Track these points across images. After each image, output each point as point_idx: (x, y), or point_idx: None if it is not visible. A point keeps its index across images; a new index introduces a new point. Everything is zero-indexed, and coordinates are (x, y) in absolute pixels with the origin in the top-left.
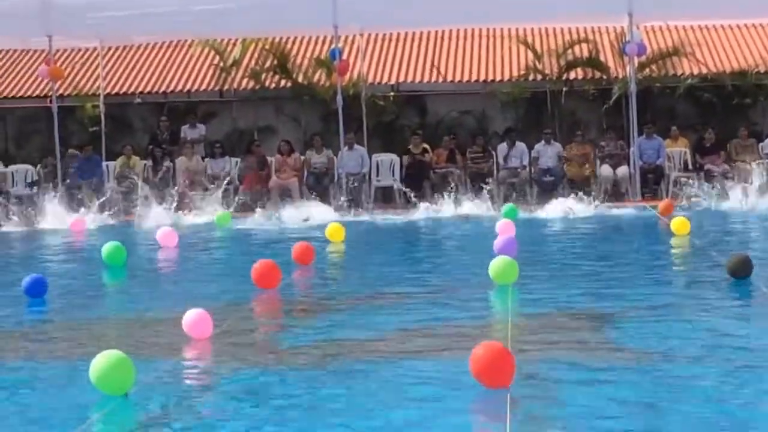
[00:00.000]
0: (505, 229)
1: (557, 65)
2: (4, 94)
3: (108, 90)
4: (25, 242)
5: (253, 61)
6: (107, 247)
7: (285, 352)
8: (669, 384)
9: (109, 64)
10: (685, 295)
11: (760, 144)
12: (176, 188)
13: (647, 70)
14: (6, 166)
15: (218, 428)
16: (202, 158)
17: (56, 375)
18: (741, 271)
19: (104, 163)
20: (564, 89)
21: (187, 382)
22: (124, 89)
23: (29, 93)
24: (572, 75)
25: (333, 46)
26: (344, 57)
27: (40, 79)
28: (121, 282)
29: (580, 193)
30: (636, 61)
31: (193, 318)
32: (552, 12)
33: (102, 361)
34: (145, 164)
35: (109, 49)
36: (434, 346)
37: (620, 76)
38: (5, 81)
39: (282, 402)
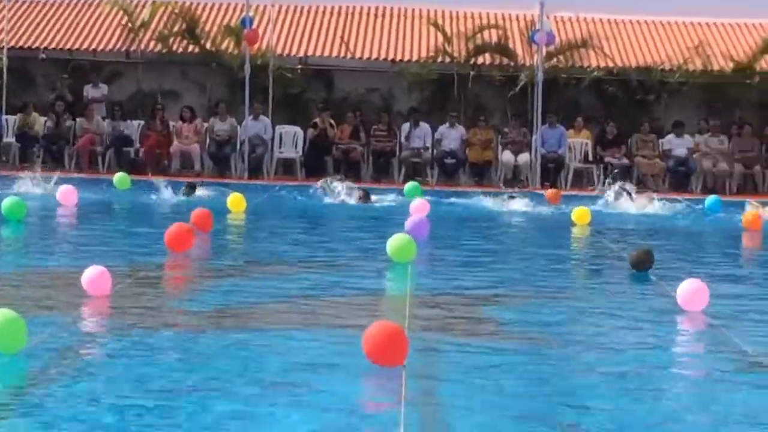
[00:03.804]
0: (418, 209)
1: (466, 49)
2: None
3: (12, 43)
4: None
5: (161, 24)
6: (6, 202)
7: (180, 314)
8: (554, 367)
9: (15, 17)
10: (581, 282)
11: (660, 140)
12: (74, 148)
13: (555, 60)
14: None
15: (108, 386)
16: (103, 119)
17: None
18: (643, 263)
19: (3, 117)
20: (471, 73)
21: (80, 339)
22: (29, 43)
23: None
24: (480, 60)
25: (244, 14)
26: (254, 26)
27: None
28: (19, 237)
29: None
30: (544, 50)
31: (91, 275)
32: None
33: None
34: (45, 121)
35: (16, 1)
36: (329, 318)
37: (528, 64)
38: None
39: (172, 362)
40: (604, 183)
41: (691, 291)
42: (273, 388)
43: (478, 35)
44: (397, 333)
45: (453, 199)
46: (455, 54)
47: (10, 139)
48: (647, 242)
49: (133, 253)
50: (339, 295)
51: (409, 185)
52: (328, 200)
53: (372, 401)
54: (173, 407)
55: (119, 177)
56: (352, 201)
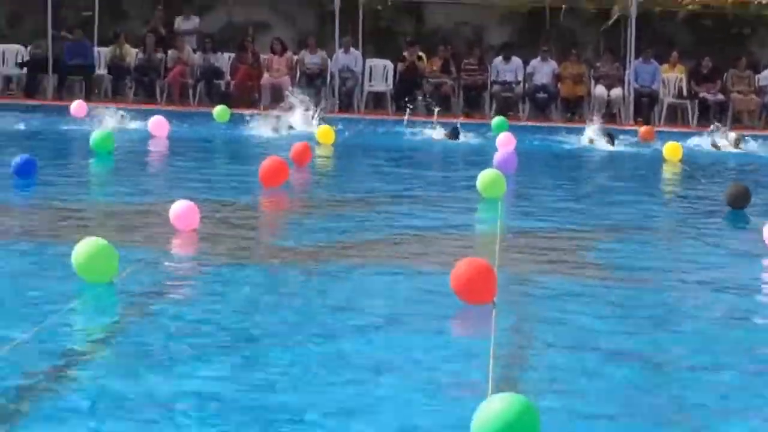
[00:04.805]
0: (505, 143)
1: None
2: None
3: None
4: (24, 122)
5: None
6: (96, 134)
7: (272, 249)
8: (647, 307)
9: None
10: (675, 220)
11: (757, 75)
12: (165, 81)
13: None
14: None
15: (199, 316)
16: (194, 51)
17: (39, 260)
18: (740, 201)
19: (95, 49)
20: (563, 6)
21: (168, 272)
22: None
23: None
24: None
25: None
26: None
27: None
28: (109, 170)
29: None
30: None
31: (180, 209)
32: None
33: (85, 248)
34: (136, 53)
35: None
36: (419, 255)
37: None
38: None
39: (258, 296)
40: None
41: None
42: (362, 324)
43: None
44: (485, 270)
45: (543, 135)
46: None
47: (102, 71)
48: (742, 179)
49: (224, 188)
50: (428, 230)
51: (496, 120)
52: (416, 135)
53: (461, 337)
54: (259, 342)
55: (219, 110)
56: (441, 136)
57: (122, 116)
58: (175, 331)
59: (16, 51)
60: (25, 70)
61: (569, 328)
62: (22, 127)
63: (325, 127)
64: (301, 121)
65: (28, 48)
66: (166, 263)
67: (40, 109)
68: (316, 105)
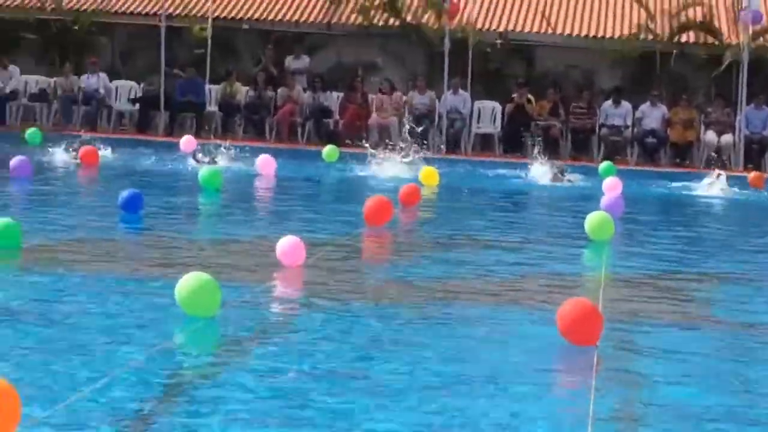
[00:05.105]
0: (612, 187)
1: (669, 26)
2: (115, 9)
3: (216, 13)
4: (135, 156)
5: None
6: (204, 171)
7: (375, 288)
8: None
9: None
10: None
11: None
12: (274, 119)
13: (762, 38)
14: (111, 80)
15: (301, 356)
16: (304, 90)
17: (143, 290)
18: None
19: (207, 86)
20: (674, 51)
21: (271, 308)
22: (233, 14)
23: (139, 10)
24: (684, 38)
25: None
26: (455, 0)
27: None
28: (216, 206)
29: None
30: (751, 29)
31: (286, 245)
32: None
33: (189, 282)
34: (246, 90)
35: None
36: (523, 296)
37: (733, 42)
38: None
39: (364, 338)
40: None
41: None
42: (469, 360)
43: (683, 12)
44: (591, 312)
45: (651, 180)
46: (658, 31)
47: (213, 108)
48: None
49: (329, 225)
50: (534, 272)
51: (604, 164)
52: (523, 177)
53: (564, 377)
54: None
55: (329, 150)
56: (548, 179)
57: (230, 153)
58: (276, 371)
59: (129, 87)
60: (137, 106)
61: (672, 372)
62: (132, 161)
63: (429, 168)
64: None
65: (141, 85)
66: (270, 299)
67: (151, 144)
68: (423, 146)
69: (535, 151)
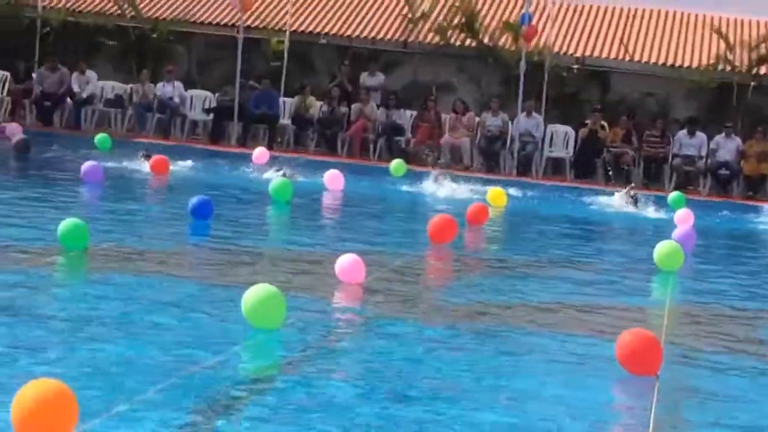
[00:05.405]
0: (684, 219)
1: (748, 58)
2: (194, 18)
3: (294, 27)
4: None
5: (440, 16)
6: (274, 183)
7: (435, 307)
8: None
9: (299, 2)
10: None
11: None
12: (346, 134)
13: None
14: (186, 89)
15: (360, 371)
16: (377, 107)
17: (210, 300)
18: None
19: (281, 99)
20: (752, 83)
21: (331, 323)
22: (310, 28)
23: (218, 21)
24: (762, 70)
25: (524, 10)
26: (533, 23)
27: (230, 7)
28: (285, 218)
29: None
30: None
31: (346, 263)
32: (748, 3)
33: (256, 294)
34: (320, 105)
35: None
36: (584, 322)
37: None
38: (196, 5)
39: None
40: None
41: None
42: (520, 391)
43: (762, 44)
44: (651, 342)
45: (724, 212)
46: (737, 63)
47: (286, 121)
48: None
49: (393, 242)
50: (597, 299)
51: (674, 195)
52: (593, 204)
53: (622, 407)
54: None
55: (396, 164)
56: (618, 204)
57: (302, 166)
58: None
59: (204, 97)
60: (211, 116)
61: (731, 407)
62: (205, 170)
63: (497, 189)
64: None
65: (216, 95)
66: (330, 314)
67: (223, 154)
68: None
69: (607, 177)
